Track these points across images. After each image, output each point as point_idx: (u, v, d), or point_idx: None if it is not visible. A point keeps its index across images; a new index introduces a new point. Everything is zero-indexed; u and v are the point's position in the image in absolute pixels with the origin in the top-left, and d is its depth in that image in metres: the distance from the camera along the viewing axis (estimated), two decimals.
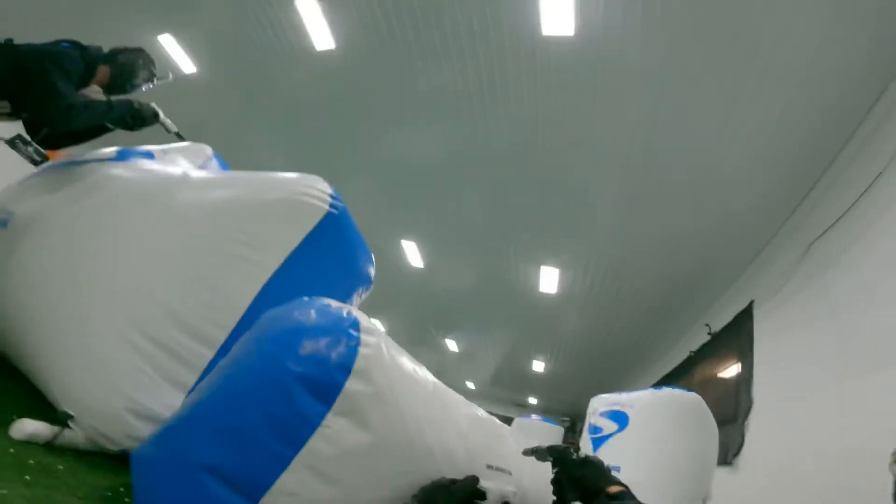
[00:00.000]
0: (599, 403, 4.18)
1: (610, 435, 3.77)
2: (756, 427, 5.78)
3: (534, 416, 7.07)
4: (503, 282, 9.53)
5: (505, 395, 19.41)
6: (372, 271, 2.30)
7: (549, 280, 8.79)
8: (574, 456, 1.08)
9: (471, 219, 8.06)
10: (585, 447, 4.02)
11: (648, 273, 7.82)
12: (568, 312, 9.88)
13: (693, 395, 3.68)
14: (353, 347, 1.01)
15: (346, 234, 1.95)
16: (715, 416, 3.70)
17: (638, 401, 3.78)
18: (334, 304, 1.18)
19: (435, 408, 1.23)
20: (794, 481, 4.73)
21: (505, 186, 7.16)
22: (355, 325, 1.09)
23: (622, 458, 3.50)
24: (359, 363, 0.99)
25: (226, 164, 2.64)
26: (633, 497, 0.90)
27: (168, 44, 6.73)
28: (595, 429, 3.99)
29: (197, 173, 2.01)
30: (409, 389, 1.13)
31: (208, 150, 2.48)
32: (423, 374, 1.32)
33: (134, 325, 1.43)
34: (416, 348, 16.56)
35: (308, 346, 0.99)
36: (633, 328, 9.90)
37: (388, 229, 9.17)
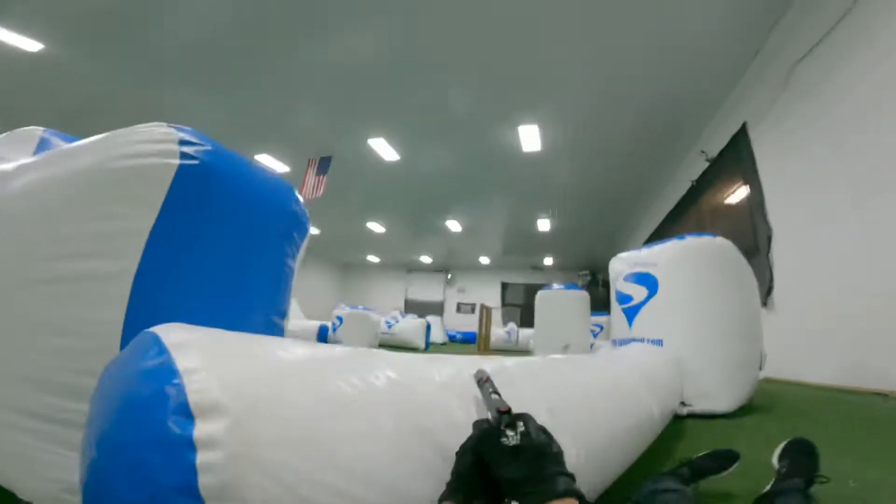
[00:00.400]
0: (621, 265, 3.76)
1: (642, 303, 3.40)
2: (783, 261, 5.54)
3: (555, 286, 7.00)
4: (485, 152, 9.22)
5: (520, 261, 19.91)
6: (297, 208, 1.59)
7: (530, 138, 8.43)
8: (503, 440, 0.60)
9: (434, 101, 7.57)
10: (617, 321, 3.73)
11: (631, 109, 7.36)
12: (558, 166, 9.64)
13: (720, 239, 3.22)
14: (183, 437, 0.52)
15: (226, 181, 1.33)
16: (738, 246, 3.29)
17: (662, 257, 3.34)
18: (145, 362, 0.76)
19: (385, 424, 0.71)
20: (837, 322, 4.52)
21: (462, 63, 6.54)
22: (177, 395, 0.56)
23: (661, 328, 3.21)
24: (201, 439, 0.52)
25: (70, 137, 2.12)
26: None
27: None
28: (623, 297, 3.63)
29: (20, 165, 1.50)
30: (309, 428, 0.63)
31: (38, 131, 2.01)
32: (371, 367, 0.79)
33: (8, 409, 1.18)
34: (422, 238, 16.81)
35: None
36: (628, 169, 9.67)
37: (353, 132, 8.75)
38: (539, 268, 20.85)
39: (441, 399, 0.79)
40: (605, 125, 7.91)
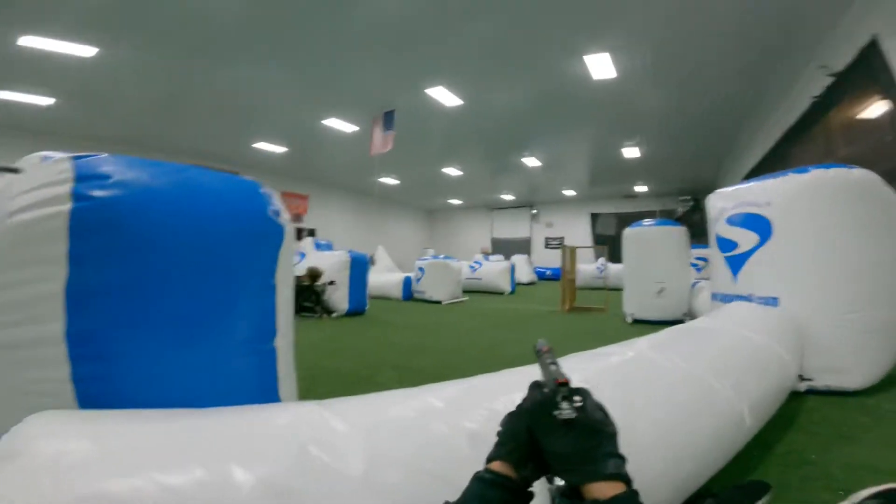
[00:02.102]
0: (723, 202, 3.13)
1: (751, 252, 2.80)
2: None
3: (645, 222, 6.20)
4: (551, 85, 8.45)
5: (608, 190, 18.56)
6: (265, 214, 1.31)
7: (600, 66, 7.55)
8: (557, 412, 0.56)
9: (487, 40, 6.94)
10: (719, 271, 3.14)
11: (724, 24, 6.16)
12: (639, 92, 8.58)
13: (859, 171, 2.48)
14: None
15: (148, 211, 1.08)
16: (879, 172, 2.52)
17: (777, 194, 2.68)
18: None
19: None
20: None
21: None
22: None
23: (777, 283, 2.62)
24: None
25: None
26: (634, 502, 0.51)
27: None
28: (726, 243, 3.02)
29: None
30: None
31: None
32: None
33: None
34: (500, 176, 16.34)
35: None
36: (726, 88, 8.38)
37: (411, 84, 8.52)
38: (631, 196, 19.29)
39: None
40: (693, 45, 6.80)
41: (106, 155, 1.09)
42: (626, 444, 0.86)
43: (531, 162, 14.11)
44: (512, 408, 0.81)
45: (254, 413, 0.73)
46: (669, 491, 1.00)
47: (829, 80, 6.47)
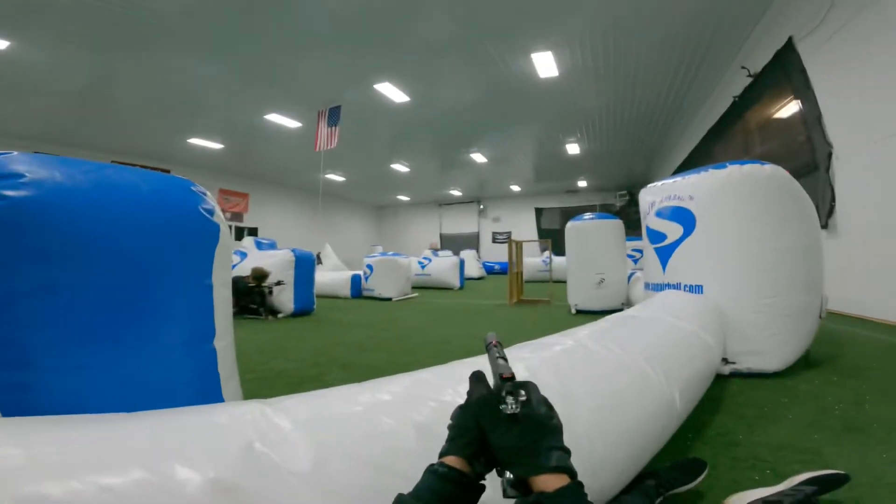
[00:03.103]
0: (652, 197, 3.32)
1: (678, 243, 2.97)
2: (846, 179, 4.93)
3: (586, 216, 6.47)
4: (498, 83, 8.65)
5: (552, 185, 19.16)
6: (198, 212, 1.26)
7: (545, 64, 7.83)
8: (503, 406, 0.58)
9: (435, 39, 6.98)
10: (650, 263, 3.32)
11: (655, 28, 6.59)
12: (581, 90, 8.96)
13: (771, 167, 2.70)
14: None
15: (65, 212, 1.01)
16: (790, 167, 2.79)
17: (699, 189, 2.87)
18: None
19: None
20: None
21: None
22: None
23: (701, 272, 2.80)
24: None
25: None
26: (579, 496, 0.52)
27: None
28: (656, 235, 3.20)
29: None
30: None
31: None
32: None
33: None
34: (448, 172, 16.45)
35: None
36: (657, 88, 8.94)
37: (358, 80, 8.43)
38: (573, 191, 20.03)
39: None
40: (630, 45, 7.18)
41: (16, 153, 1.00)
42: (568, 431, 0.91)
43: (478, 158, 14.31)
44: (459, 400, 0.83)
45: (194, 413, 0.71)
46: (612, 474, 1.06)
47: (748, 81, 6.98)
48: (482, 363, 1.02)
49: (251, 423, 0.68)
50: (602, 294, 5.79)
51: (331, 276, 9.71)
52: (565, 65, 7.82)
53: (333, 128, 9.12)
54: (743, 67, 7.11)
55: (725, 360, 2.56)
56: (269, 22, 6.31)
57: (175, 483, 0.54)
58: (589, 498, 0.55)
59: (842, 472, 1.23)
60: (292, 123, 10.59)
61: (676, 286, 2.97)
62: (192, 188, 1.26)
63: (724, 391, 2.35)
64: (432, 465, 0.59)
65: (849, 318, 4.64)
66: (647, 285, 3.47)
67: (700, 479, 1.34)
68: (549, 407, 0.62)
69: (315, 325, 5.60)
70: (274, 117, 10.20)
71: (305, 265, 6.81)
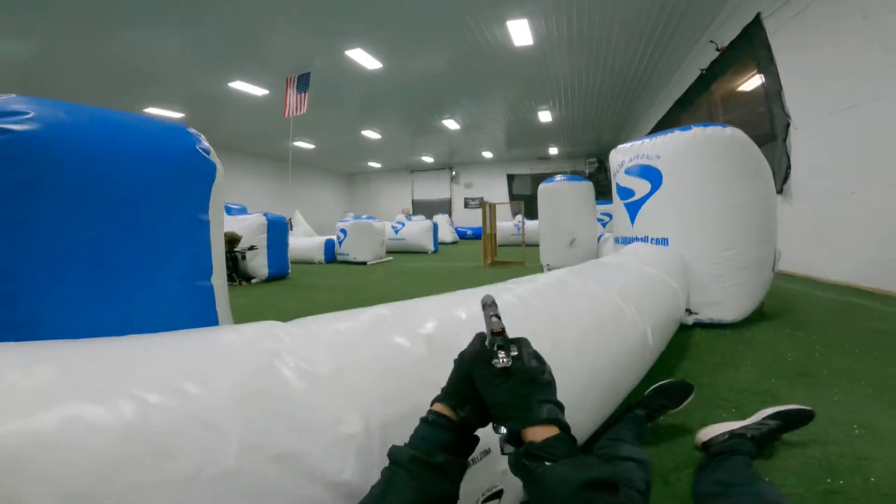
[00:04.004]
0: (622, 157, 3.44)
1: (645, 198, 3.12)
2: (801, 148, 5.16)
3: (557, 177, 6.60)
4: (473, 50, 8.48)
5: (524, 152, 19.19)
6: (195, 153, 1.25)
7: (520, 33, 7.74)
8: (494, 361, 0.59)
9: (408, 4, 6.73)
10: (619, 218, 3.49)
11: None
12: (555, 58, 8.90)
13: (731, 129, 2.85)
14: None
15: (69, 146, 1.01)
16: (750, 135, 2.93)
17: (666, 149, 3.00)
18: None
19: None
20: (860, 212, 4.22)
21: None
22: None
23: (666, 226, 2.96)
24: None
25: None
26: (567, 444, 0.53)
27: None
28: (625, 191, 3.34)
29: None
30: None
31: None
32: None
33: None
34: (420, 138, 16.24)
35: None
36: (630, 58, 8.98)
37: (329, 46, 8.09)
38: (545, 158, 20.13)
39: (321, 405, 0.62)
40: (604, 14, 7.13)
41: (13, 96, 0.99)
42: (556, 352, 0.99)
43: (451, 124, 14.16)
44: (452, 321, 0.89)
45: (210, 331, 0.74)
46: (596, 398, 1.14)
47: (716, 55, 7.14)
48: (472, 294, 1.09)
49: (269, 336, 0.71)
50: (573, 253, 5.97)
51: (304, 241, 9.62)
52: (540, 33, 7.74)
53: (303, 94, 8.82)
54: (711, 41, 7.23)
55: (689, 311, 2.74)
56: None
57: (207, 389, 0.56)
58: (582, 415, 0.61)
59: (807, 407, 1.31)
60: (259, 91, 10.15)
61: (644, 239, 3.12)
62: (189, 130, 1.26)
63: (689, 340, 2.53)
64: (423, 415, 0.61)
65: (799, 277, 4.96)
66: (616, 239, 3.62)
67: (687, 402, 1.43)
68: (541, 361, 0.63)
69: (291, 289, 5.59)
70: (239, 85, 9.74)
71: (278, 229, 6.71)
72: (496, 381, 0.58)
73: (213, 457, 0.50)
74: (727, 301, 2.77)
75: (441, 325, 0.85)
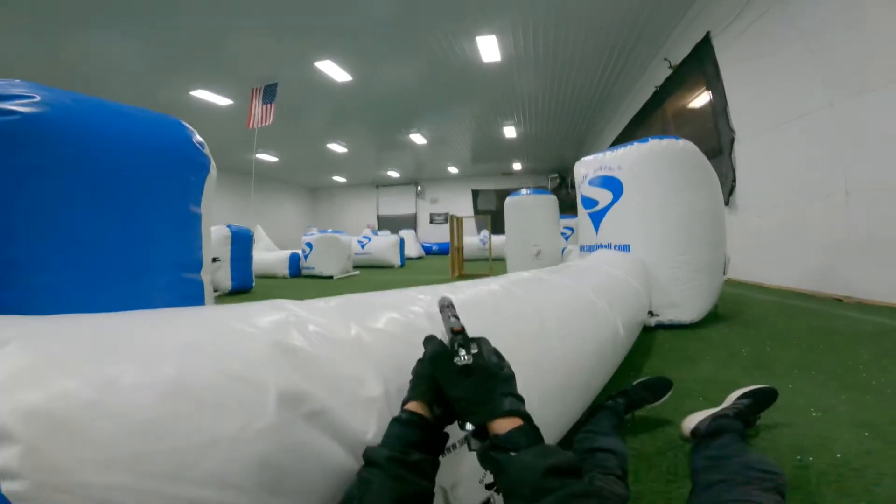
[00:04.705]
0: (585, 169, 3.64)
1: (607, 208, 3.32)
2: (746, 162, 5.57)
3: (523, 191, 6.82)
4: (443, 65, 8.69)
5: (489, 167, 19.59)
6: (190, 147, 1.28)
7: (489, 48, 8.00)
8: (456, 359, 0.62)
9: (382, 17, 6.85)
10: (584, 227, 3.67)
11: (594, 17, 6.94)
12: (521, 74, 9.24)
13: (683, 142, 3.12)
14: None
15: (69, 132, 1.01)
16: (700, 149, 3.21)
17: (626, 160, 3.22)
18: None
19: None
20: (801, 222, 4.59)
21: None
22: None
23: (628, 233, 3.15)
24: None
25: None
26: (529, 434, 0.56)
27: None
28: (589, 202, 3.54)
29: None
30: None
31: None
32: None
33: None
34: (387, 153, 16.28)
35: None
36: (591, 75, 9.44)
37: (298, 56, 8.09)
38: (509, 173, 20.62)
39: (346, 367, 0.66)
40: (568, 33, 7.49)
41: (18, 80, 0.99)
42: (541, 338, 1.07)
43: (418, 139, 14.31)
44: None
45: (223, 307, 0.76)
46: (580, 382, 1.22)
47: (669, 72, 7.57)
48: (456, 285, 1.15)
49: (282, 308, 0.73)
50: (539, 266, 6.12)
51: (268, 255, 9.42)
52: (508, 49, 8.01)
53: (269, 105, 8.70)
54: (665, 59, 7.66)
55: (651, 313, 2.90)
56: None
57: (242, 346, 0.59)
58: (568, 399, 0.66)
59: (770, 386, 1.44)
60: (223, 101, 9.98)
61: (608, 246, 3.30)
62: (184, 123, 1.28)
63: (652, 340, 2.69)
64: (395, 415, 0.62)
65: (747, 284, 5.30)
66: (581, 247, 3.79)
67: (666, 397, 1.52)
68: (500, 357, 0.67)
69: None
70: (202, 94, 9.54)
71: (242, 241, 6.58)
72: (458, 378, 0.61)
73: (256, 413, 0.53)
74: (685, 303, 2.96)
75: (435, 304, 0.90)
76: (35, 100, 0.96)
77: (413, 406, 0.61)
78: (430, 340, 0.68)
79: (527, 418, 0.58)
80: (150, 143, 1.14)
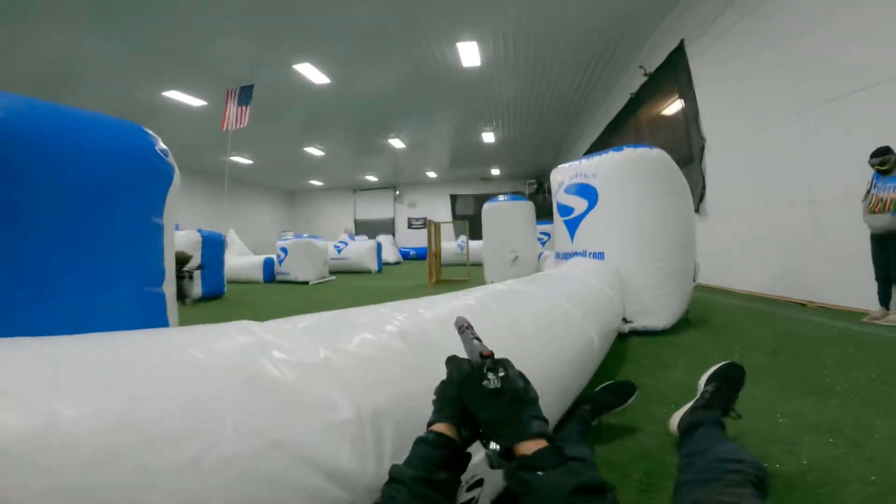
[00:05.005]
0: (561, 176, 3.67)
1: (583, 215, 3.35)
2: (715, 170, 5.71)
3: (500, 197, 6.88)
4: (423, 69, 8.69)
5: (467, 172, 19.66)
6: (153, 155, 1.22)
7: (469, 54, 8.04)
8: (485, 382, 0.62)
9: (362, 20, 6.82)
10: (560, 234, 3.69)
11: (571, 24, 7.04)
12: (500, 80, 9.31)
13: (657, 150, 3.17)
14: None
15: (21, 142, 0.95)
16: (672, 157, 3.28)
17: (601, 168, 3.25)
18: None
19: None
20: (767, 229, 4.73)
21: None
22: None
23: (603, 240, 3.18)
24: None
25: None
26: (555, 455, 0.57)
27: None
28: (565, 209, 3.56)
29: None
30: None
31: None
32: None
33: None
34: (365, 157, 16.18)
35: None
36: (569, 81, 9.55)
37: (276, 58, 7.99)
38: (487, 178, 20.74)
39: (313, 393, 0.64)
40: (546, 40, 7.57)
41: None
42: (518, 349, 1.06)
43: (396, 143, 14.26)
44: (418, 319, 0.92)
45: (188, 329, 0.73)
46: (556, 390, 1.22)
47: (644, 80, 7.71)
48: (430, 299, 1.14)
49: (247, 332, 0.71)
50: (516, 271, 6.18)
51: (241, 260, 9.23)
52: (488, 55, 8.06)
53: (244, 107, 8.52)
54: (640, 67, 7.79)
55: (625, 320, 2.94)
56: None
57: (199, 377, 0.57)
58: (546, 409, 0.66)
59: (729, 361, 1.46)
60: (196, 102, 9.74)
61: (583, 254, 3.33)
62: (146, 130, 1.23)
63: (626, 346, 2.72)
64: (420, 435, 0.62)
65: (716, 289, 5.44)
66: (557, 255, 3.83)
67: (631, 400, 1.52)
68: (526, 380, 0.68)
69: (228, 308, 5.35)
70: (174, 94, 9.30)
71: (214, 246, 6.44)
72: (487, 401, 0.62)
73: (211, 443, 0.51)
74: (658, 309, 3.01)
75: (410, 323, 0.89)
76: None
77: (440, 427, 0.63)
78: (452, 361, 0.70)
79: (551, 440, 0.60)
80: (109, 150, 1.09)
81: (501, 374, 0.64)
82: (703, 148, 5.89)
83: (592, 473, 0.55)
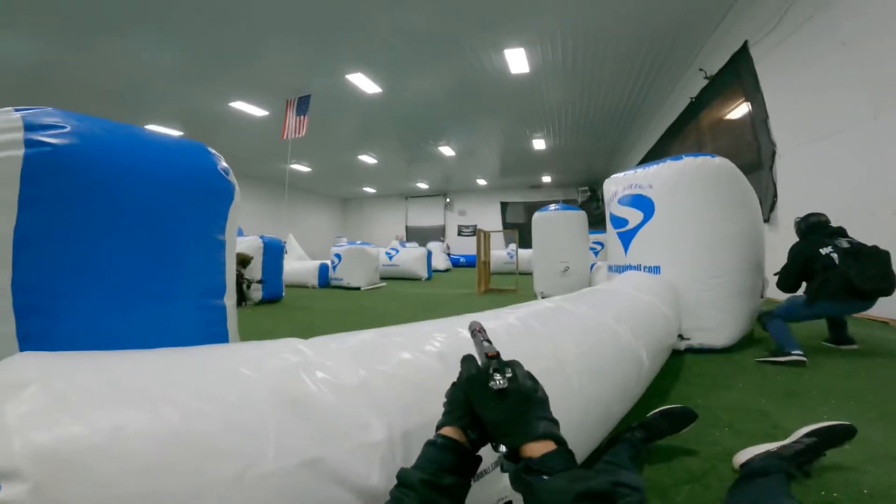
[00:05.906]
0: (615, 186, 3.54)
1: (637, 227, 3.21)
2: (787, 176, 5.34)
3: (552, 207, 6.75)
4: (471, 77, 8.76)
5: (517, 180, 19.51)
6: (215, 174, 1.31)
7: (517, 61, 8.01)
8: (491, 383, 0.61)
9: (411, 31, 7.00)
10: (613, 246, 3.57)
11: (625, 28, 6.85)
12: (550, 87, 9.20)
13: (720, 159, 2.98)
14: None
15: (98, 161, 1.05)
16: (737, 164, 3.06)
17: (657, 178, 3.10)
18: None
19: None
20: None
21: None
22: None
23: (658, 254, 3.05)
24: None
25: None
26: (563, 458, 0.56)
27: None
28: (618, 221, 3.44)
29: None
30: None
31: None
32: None
33: None
34: (416, 165, 16.45)
35: None
36: (622, 87, 9.29)
37: (330, 69, 8.32)
38: (538, 186, 20.47)
39: (350, 413, 0.66)
40: (598, 45, 7.42)
41: (50, 108, 1.05)
42: (560, 371, 1.04)
43: (447, 151, 14.40)
44: (458, 339, 0.93)
45: (237, 346, 0.78)
46: (600, 409, 1.19)
47: (705, 83, 7.37)
48: (473, 317, 1.14)
49: (293, 350, 0.76)
50: (566, 282, 6.05)
51: (298, 265, 9.61)
52: (536, 62, 8.01)
53: (302, 117, 8.98)
54: (700, 70, 7.47)
55: (681, 337, 2.80)
56: (233, 6, 6.17)
57: (245, 397, 0.61)
58: (582, 433, 0.64)
59: (846, 422, 1.29)
60: (258, 112, 10.34)
61: (637, 267, 3.20)
62: (209, 149, 1.32)
63: (680, 364, 2.59)
64: (430, 439, 0.62)
65: None
66: (610, 268, 3.70)
67: (689, 428, 1.45)
68: (534, 381, 0.66)
69: (285, 311, 5.58)
70: (239, 105, 9.93)
71: (274, 252, 6.74)
72: (494, 402, 0.61)
73: (254, 459, 0.54)
74: (718, 327, 2.84)
75: (449, 343, 0.90)
76: (66, 130, 1.00)
77: (448, 431, 0.62)
78: (466, 360, 0.69)
79: (561, 442, 0.58)
80: (176, 170, 1.19)
81: (508, 374, 0.63)
82: (773, 154, 5.51)
83: (601, 480, 0.52)
